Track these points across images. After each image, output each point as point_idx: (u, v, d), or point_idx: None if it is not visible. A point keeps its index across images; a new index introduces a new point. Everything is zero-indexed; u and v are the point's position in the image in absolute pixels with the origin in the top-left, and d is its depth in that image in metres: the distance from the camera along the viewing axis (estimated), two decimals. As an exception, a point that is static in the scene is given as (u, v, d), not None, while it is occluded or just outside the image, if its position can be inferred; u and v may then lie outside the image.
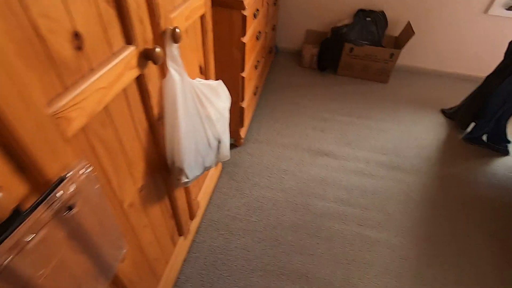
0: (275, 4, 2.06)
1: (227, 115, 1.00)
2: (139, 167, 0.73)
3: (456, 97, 2.32)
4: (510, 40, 1.68)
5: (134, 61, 0.60)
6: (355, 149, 1.80)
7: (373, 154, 1.77)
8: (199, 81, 0.85)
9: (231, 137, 1.72)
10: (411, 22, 2.34)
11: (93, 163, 0.55)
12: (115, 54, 0.54)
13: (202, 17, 0.94)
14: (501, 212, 1.52)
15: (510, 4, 2.15)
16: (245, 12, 1.20)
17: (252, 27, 1.39)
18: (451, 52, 2.49)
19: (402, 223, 1.43)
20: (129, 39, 0.58)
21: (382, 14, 2.35)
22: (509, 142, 1.84)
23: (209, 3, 0.95)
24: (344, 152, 1.78)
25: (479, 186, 1.64)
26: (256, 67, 1.68)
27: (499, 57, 2.42)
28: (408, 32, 2.26)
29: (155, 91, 0.71)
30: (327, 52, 2.44)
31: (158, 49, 0.62)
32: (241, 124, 1.64)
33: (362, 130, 1.95)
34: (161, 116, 0.76)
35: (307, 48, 2.56)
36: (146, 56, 0.63)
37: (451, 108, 2.14)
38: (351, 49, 2.33)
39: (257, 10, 1.43)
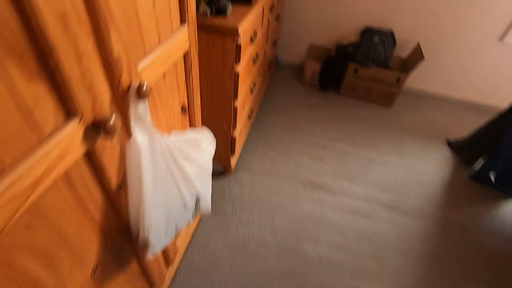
0: (277, 19, 1.92)
1: (209, 165, 0.87)
2: (91, 249, 0.60)
3: (463, 126, 2.20)
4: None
5: (78, 139, 0.46)
6: (353, 183, 1.68)
7: (372, 191, 1.65)
8: (176, 136, 0.72)
9: (220, 165, 1.59)
10: (421, 44, 2.20)
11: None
12: (43, 141, 0.41)
13: (186, 55, 0.80)
14: (509, 271, 1.40)
15: (527, 33, 2.02)
16: (239, 40, 1.07)
17: (248, 53, 1.26)
18: (461, 78, 2.36)
19: (399, 276, 1.31)
20: (70, 113, 0.44)
21: (391, 33, 2.21)
22: (518, 184, 1.73)
23: (194, 37, 0.81)
24: (342, 186, 1.65)
25: (485, 237, 1.52)
26: (251, 90, 1.54)
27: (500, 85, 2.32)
28: (417, 55, 2.12)
29: (114, 160, 0.57)
30: (330, 71, 2.30)
31: (112, 120, 0.49)
32: (232, 152, 1.51)
33: (362, 162, 1.82)
34: (122, 184, 0.63)
35: (309, 64, 2.42)
36: (97, 128, 0.49)
37: (457, 141, 2.01)
38: (356, 70, 2.20)
39: (255, 32, 1.29)
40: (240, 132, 1.53)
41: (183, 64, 0.82)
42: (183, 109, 0.91)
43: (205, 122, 1.40)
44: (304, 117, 2.11)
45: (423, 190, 1.70)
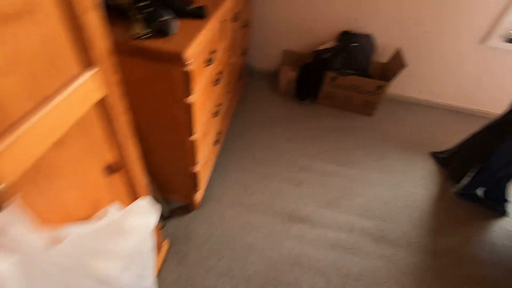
0: (245, 26, 1.70)
1: (146, 246, 0.66)
2: None
3: (448, 134, 2.08)
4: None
5: None
6: (336, 211, 1.51)
7: (357, 218, 1.49)
8: (80, 235, 0.50)
9: (183, 201, 1.37)
10: (401, 49, 2.06)
11: None
12: None
13: (103, 102, 0.58)
14: (503, 299, 1.28)
15: (509, 36, 1.91)
16: (188, 68, 0.85)
17: (204, 76, 1.04)
18: (443, 83, 2.24)
19: (391, 324, 1.15)
20: None
21: (370, 38, 2.05)
22: (507, 201, 1.62)
23: (114, 78, 0.59)
24: (323, 215, 1.48)
25: (476, 262, 1.39)
26: (216, 113, 1.33)
27: (495, 91, 2.22)
28: (399, 61, 1.98)
29: None
30: (306, 79, 2.12)
31: None
32: (195, 188, 1.30)
33: (345, 183, 1.66)
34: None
35: (284, 71, 2.23)
36: None
37: (442, 152, 1.89)
38: (334, 78, 2.02)
39: (213, 52, 1.07)
40: (205, 163, 1.31)
41: (101, 113, 0.59)
42: (110, 169, 0.68)
43: (159, 161, 1.17)
44: (281, 132, 1.92)
45: (411, 213, 1.56)
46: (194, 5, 1.01)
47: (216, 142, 1.47)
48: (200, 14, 0.99)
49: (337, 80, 2.02)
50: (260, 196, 1.52)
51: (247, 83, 2.28)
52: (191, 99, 0.94)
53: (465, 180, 1.68)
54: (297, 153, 1.79)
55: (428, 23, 1.97)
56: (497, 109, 2.26)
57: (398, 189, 1.67)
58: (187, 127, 1.02)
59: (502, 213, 1.63)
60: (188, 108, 0.95)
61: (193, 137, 1.06)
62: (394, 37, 2.08)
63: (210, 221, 1.37)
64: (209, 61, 1.04)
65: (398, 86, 2.31)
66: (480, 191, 1.66)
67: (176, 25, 0.87)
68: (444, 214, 1.59)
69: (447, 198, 1.67)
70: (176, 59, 0.81)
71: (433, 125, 2.18)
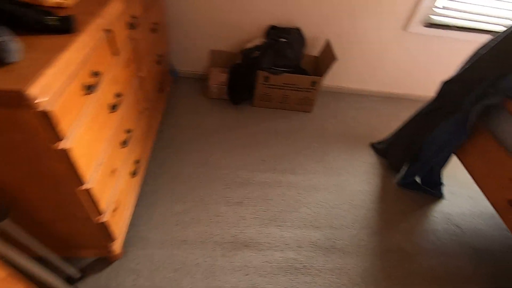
0: (154, 30, 1.45)
1: None
2: None
3: (384, 121, 2.11)
4: (443, 80, 1.44)
5: None
6: (282, 227, 1.39)
7: (304, 232, 1.39)
8: None
9: (99, 255, 1.13)
10: (330, 40, 1.99)
11: None
12: None
13: None
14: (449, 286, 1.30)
15: (428, 21, 1.96)
16: (45, 107, 0.61)
17: (87, 108, 0.80)
18: (374, 71, 2.25)
19: None
20: None
21: (298, 31, 1.94)
22: (442, 184, 1.67)
23: None
24: (269, 235, 1.35)
25: (423, 254, 1.40)
26: (125, 142, 1.09)
27: (421, 75, 2.30)
28: (329, 54, 1.91)
29: None
30: (238, 81, 1.95)
31: None
32: (109, 239, 1.06)
33: (288, 193, 1.54)
34: None
35: (214, 73, 2.03)
36: None
37: (380, 142, 1.89)
38: (266, 78, 1.89)
39: (96, 74, 0.83)
40: (118, 205, 1.08)
41: None
42: None
43: (50, 219, 0.92)
44: (217, 144, 1.73)
45: (356, 214, 1.51)
46: (57, 16, 0.75)
47: (135, 172, 1.23)
48: (64, 28, 0.74)
49: (270, 79, 1.89)
50: (195, 226, 1.33)
51: (172, 92, 2.04)
52: (64, 143, 0.70)
53: (403, 171, 1.68)
54: (235, 166, 1.63)
55: (354, 13, 1.92)
56: (426, 92, 2.36)
57: (342, 190, 1.61)
58: (71, 177, 0.77)
59: (439, 196, 1.67)
60: (63, 156, 0.71)
61: (85, 186, 0.82)
62: (322, 29, 2.00)
63: (137, 271, 1.15)
64: (90, 87, 0.80)
65: (332, 78, 2.27)
66: (418, 178, 1.69)
67: (17, 48, 0.62)
68: (388, 207, 1.57)
69: (390, 190, 1.66)
70: (18, 100, 0.57)
71: (370, 115, 2.18)
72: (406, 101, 2.38)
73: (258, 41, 1.93)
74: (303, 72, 2.01)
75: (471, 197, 1.69)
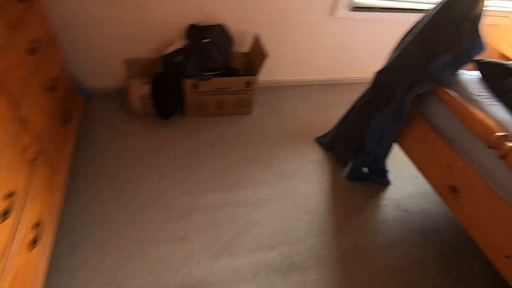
0: (35, 51, 1.13)
1: None
2: None
3: (326, 110, 2.06)
4: (377, 70, 1.39)
5: None
6: (235, 255, 1.25)
7: (260, 255, 1.27)
8: None
9: None
10: (259, 34, 1.84)
11: None
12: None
13: None
14: (407, 274, 1.30)
15: (353, 5, 1.91)
16: None
17: None
18: (307, 60, 2.17)
19: None
20: None
21: (222, 28, 1.75)
22: (387, 171, 1.67)
23: None
24: (221, 268, 1.20)
25: (379, 250, 1.38)
26: (5, 213, 0.82)
27: (354, 59, 2.28)
28: (260, 50, 1.76)
29: None
30: (164, 92, 1.71)
31: None
32: None
33: (238, 212, 1.41)
34: None
35: (134, 86, 1.76)
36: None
37: (325, 135, 1.84)
38: (195, 86, 1.68)
39: None
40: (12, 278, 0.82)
41: None
42: None
43: None
44: (149, 169, 1.50)
45: (310, 221, 1.44)
46: None
47: (35, 241, 0.97)
48: None
49: (200, 86, 1.69)
50: (134, 279, 1.13)
51: (86, 116, 1.72)
52: None
53: (350, 163, 1.65)
54: (174, 192, 1.43)
55: (280, 3, 1.78)
56: (360, 74, 2.36)
57: (294, 197, 1.52)
58: None
59: (387, 183, 1.69)
60: None
61: None
62: (248, 22, 1.84)
63: None
64: None
65: (268, 73, 2.13)
66: (366, 169, 1.67)
67: None
68: (341, 206, 1.53)
69: (341, 186, 1.63)
70: None
71: (309, 106, 2.12)
72: (341, 86, 2.36)
73: (178, 44, 1.70)
74: (235, 72, 1.84)
75: (415, 176, 1.73)
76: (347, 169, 1.66)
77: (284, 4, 1.80)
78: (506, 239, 1.03)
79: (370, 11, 1.96)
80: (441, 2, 1.13)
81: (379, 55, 2.19)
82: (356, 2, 1.90)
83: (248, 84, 1.76)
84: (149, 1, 1.59)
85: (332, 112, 2.08)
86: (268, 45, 1.80)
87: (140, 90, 1.74)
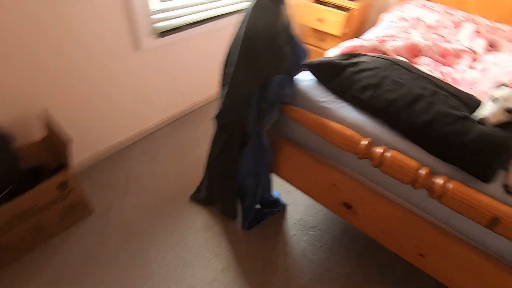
0: None
1: None
2: None
3: (185, 153, 1.71)
4: (214, 114, 1.11)
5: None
6: None
7: None
8: None
9: None
10: (50, 107, 1.29)
11: None
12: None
13: None
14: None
15: (158, 30, 1.57)
16: None
17: None
18: (136, 108, 1.73)
19: None
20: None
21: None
22: (278, 199, 1.50)
23: None
24: None
25: (315, 284, 1.20)
26: None
27: (187, 83, 1.94)
28: (59, 136, 1.22)
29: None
30: None
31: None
32: None
33: None
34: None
35: None
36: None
37: (198, 190, 1.51)
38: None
39: None
40: None
41: None
42: None
43: None
44: None
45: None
46: None
47: None
48: None
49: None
50: None
51: None
52: None
53: (239, 212, 1.39)
54: None
55: (72, 67, 1.26)
56: (205, 93, 2.10)
57: (195, 284, 1.15)
58: None
59: (283, 208, 1.52)
60: None
61: None
62: (27, 98, 1.24)
63: None
64: None
65: (93, 145, 1.60)
66: (260, 210, 1.44)
67: None
68: (251, 263, 1.27)
69: (241, 240, 1.35)
70: None
71: (168, 155, 1.73)
72: (191, 115, 2.06)
73: None
74: (35, 173, 1.24)
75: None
76: (239, 218, 1.40)
77: (75, 61, 1.29)
78: (411, 241, 0.98)
79: (180, 31, 1.68)
80: (241, 25, 0.93)
81: (210, 66, 1.98)
82: (159, 27, 1.56)
83: (62, 184, 1.21)
84: None
85: (195, 152, 1.77)
86: (63, 115, 1.28)
87: None
